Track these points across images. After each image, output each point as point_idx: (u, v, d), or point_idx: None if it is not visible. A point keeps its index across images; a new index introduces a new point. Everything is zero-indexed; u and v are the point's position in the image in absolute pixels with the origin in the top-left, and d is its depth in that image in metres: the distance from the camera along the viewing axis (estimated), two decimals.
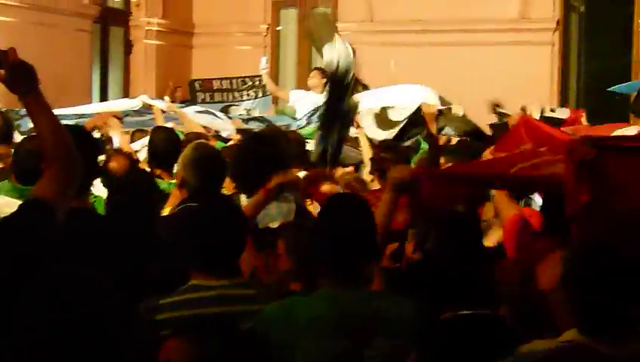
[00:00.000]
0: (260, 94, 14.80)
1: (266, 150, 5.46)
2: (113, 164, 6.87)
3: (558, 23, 16.29)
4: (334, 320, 3.52)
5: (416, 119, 8.92)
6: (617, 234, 3.96)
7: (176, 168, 6.04)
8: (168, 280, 3.90)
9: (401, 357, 3.49)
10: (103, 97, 15.88)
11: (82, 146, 3.52)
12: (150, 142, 6.86)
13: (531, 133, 5.08)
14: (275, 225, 4.96)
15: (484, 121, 9.92)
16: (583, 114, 11.65)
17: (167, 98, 10.94)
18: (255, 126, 10.79)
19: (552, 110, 10.64)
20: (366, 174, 7.62)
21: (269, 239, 4.66)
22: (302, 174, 6.62)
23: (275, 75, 16.93)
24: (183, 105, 13.42)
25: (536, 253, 4.34)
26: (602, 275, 3.25)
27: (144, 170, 6.87)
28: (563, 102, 16.36)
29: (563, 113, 10.95)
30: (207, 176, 5.21)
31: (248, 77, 15.44)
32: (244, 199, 5.20)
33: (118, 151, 7.71)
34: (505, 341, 3.33)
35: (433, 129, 8.19)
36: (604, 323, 3.22)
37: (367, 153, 8.03)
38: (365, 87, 12.42)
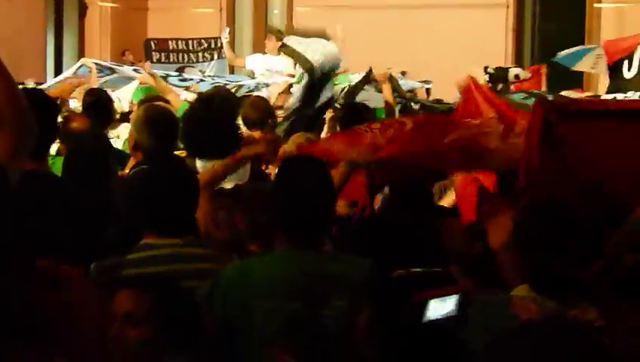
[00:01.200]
0: (216, 56, 14.81)
1: (216, 114, 5.50)
2: (75, 125, 6.78)
3: None
4: (290, 280, 3.54)
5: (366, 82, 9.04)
6: (570, 196, 3.98)
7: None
8: (126, 241, 3.91)
9: (357, 317, 3.52)
10: (58, 61, 15.80)
11: (38, 108, 3.46)
12: None
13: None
14: (229, 185, 4.98)
15: (440, 84, 10.05)
16: (544, 70, 11.76)
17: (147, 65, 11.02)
18: (208, 86, 10.88)
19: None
20: None
21: (224, 200, 4.66)
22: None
23: (231, 38, 16.50)
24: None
25: (487, 212, 4.38)
26: (551, 235, 3.34)
27: (98, 132, 6.85)
28: (518, 64, 16.04)
29: (523, 73, 10.75)
30: (158, 137, 5.23)
31: (204, 39, 15.51)
32: (199, 161, 5.20)
33: (75, 112, 7.74)
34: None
35: (387, 91, 8.16)
36: (554, 281, 3.31)
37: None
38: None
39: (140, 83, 10.14)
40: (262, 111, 7.21)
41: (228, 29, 14.50)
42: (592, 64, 10.53)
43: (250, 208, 4.44)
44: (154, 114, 5.50)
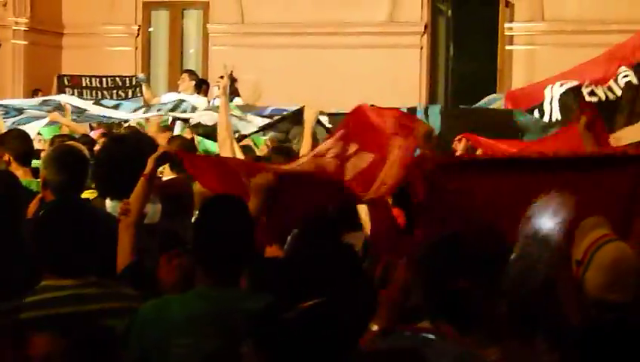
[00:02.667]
0: (131, 95, 14.90)
1: (125, 153, 5.43)
2: None
3: (426, 26, 16.61)
4: (208, 318, 3.57)
5: (297, 119, 9.06)
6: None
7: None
8: (32, 281, 3.87)
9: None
10: None
11: None
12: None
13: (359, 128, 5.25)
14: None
15: None
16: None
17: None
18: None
19: None
20: None
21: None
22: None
23: (146, 76, 16.69)
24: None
25: (399, 250, 4.44)
26: (450, 272, 3.37)
27: (7, 170, 6.72)
28: (432, 101, 16.53)
29: None
30: (67, 175, 5.20)
31: (119, 77, 15.63)
32: (108, 202, 5.22)
33: None
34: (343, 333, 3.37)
35: (308, 131, 8.13)
36: (453, 314, 3.34)
37: None
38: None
39: (51, 120, 10.02)
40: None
41: (143, 75, 14.87)
42: None
43: (164, 247, 4.45)
44: (63, 152, 5.47)
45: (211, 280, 3.73)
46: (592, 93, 9.17)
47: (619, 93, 9.19)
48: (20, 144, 6.75)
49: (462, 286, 3.36)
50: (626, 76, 9.21)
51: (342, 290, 3.74)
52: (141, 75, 14.90)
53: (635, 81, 9.11)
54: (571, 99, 9.14)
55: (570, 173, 4.65)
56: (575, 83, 9.40)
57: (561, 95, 9.35)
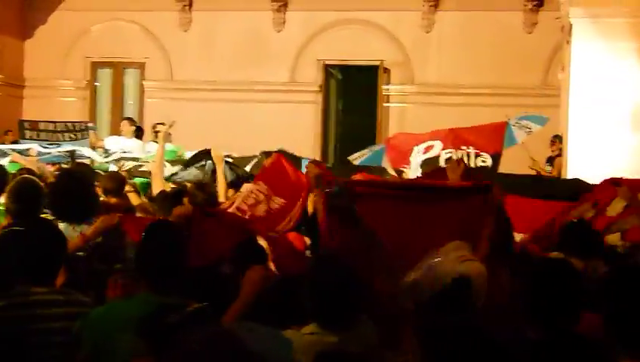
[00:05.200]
0: (80, 137, 14.80)
1: (78, 186, 5.72)
2: None
3: (320, 86, 17.45)
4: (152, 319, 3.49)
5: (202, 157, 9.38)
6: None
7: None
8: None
9: None
10: None
11: None
12: None
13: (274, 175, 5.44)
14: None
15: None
16: None
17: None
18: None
19: None
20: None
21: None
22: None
23: (93, 122, 16.63)
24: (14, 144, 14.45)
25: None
26: (326, 282, 3.73)
27: None
28: (325, 150, 17.42)
29: None
30: (24, 202, 5.38)
31: (70, 122, 15.44)
32: (61, 224, 5.26)
33: None
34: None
35: (220, 170, 8.37)
36: (328, 317, 3.69)
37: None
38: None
39: (12, 160, 10.51)
40: (118, 182, 7.50)
41: (93, 124, 15.21)
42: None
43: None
44: (21, 184, 5.65)
45: (150, 288, 3.83)
46: (448, 160, 9.04)
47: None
48: None
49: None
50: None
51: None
52: (91, 124, 15.05)
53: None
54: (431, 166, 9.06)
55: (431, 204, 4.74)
56: (435, 153, 9.50)
57: (422, 162, 9.52)
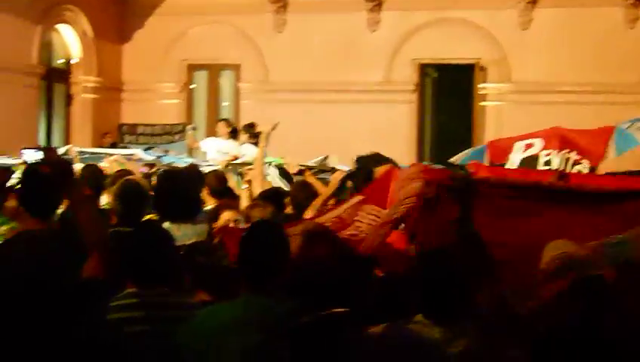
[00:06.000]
0: (176, 139, 15.64)
1: (182, 186, 5.76)
2: None
3: (415, 86, 17.21)
4: (250, 319, 3.67)
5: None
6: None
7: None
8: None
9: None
10: (48, 142, 16.05)
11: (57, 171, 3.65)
12: None
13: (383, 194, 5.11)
14: (189, 241, 5.12)
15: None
16: None
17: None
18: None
19: None
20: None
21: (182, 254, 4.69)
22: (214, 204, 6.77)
23: (190, 124, 16.82)
24: (112, 147, 14.63)
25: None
26: (438, 277, 3.70)
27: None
28: (420, 150, 17.18)
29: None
30: (129, 205, 5.42)
31: (167, 125, 16.43)
32: (167, 224, 5.33)
33: None
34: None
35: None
36: (439, 309, 3.66)
37: None
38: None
39: (112, 162, 10.15)
40: (224, 181, 7.52)
41: (193, 125, 15.50)
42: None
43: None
44: (126, 185, 5.71)
45: (252, 289, 3.82)
46: (547, 163, 8.90)
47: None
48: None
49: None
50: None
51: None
52: (192, 125, 15.43)
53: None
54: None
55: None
56: (534, 152, 9.16)
57: (521, 160, 9.20)
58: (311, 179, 8.13)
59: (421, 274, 3.80)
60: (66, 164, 3.80)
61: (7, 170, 7.68)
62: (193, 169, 8.57)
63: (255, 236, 3.98)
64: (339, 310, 3.51)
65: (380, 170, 6.41)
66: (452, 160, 10.95)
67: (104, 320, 3.23)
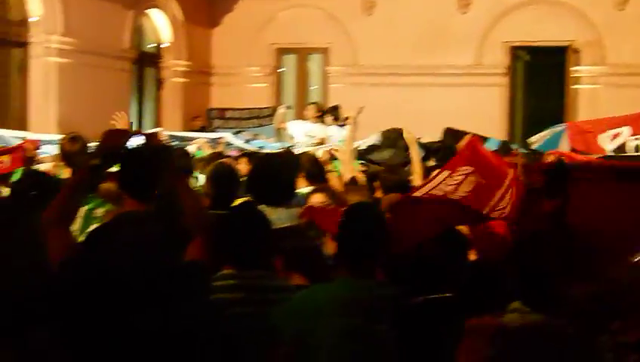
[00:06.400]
0: (265, 123, 15.65)
1: (277, 169, 5.69)
2: None
3: (506, 69, 16.97)
4: (349, 301, 3.65)
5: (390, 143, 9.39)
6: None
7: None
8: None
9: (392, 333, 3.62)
10: (139, 125, 16.04)
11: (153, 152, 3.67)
12: None
13: (475, 158, 4.98)
14: (283, 225, 5.05)
15: None
16: None
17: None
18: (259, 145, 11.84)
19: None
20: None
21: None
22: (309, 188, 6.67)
23: (277, 107, 16.76)
24: (202, 131, 14.80)
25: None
26: (539, 261, 3.59)
27: None
28: (511, 135, 16.78)
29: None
30: (223, 188, 5.45)
31: (256, 109, 16.48)
32: (262, 207, 5.13)
33: None
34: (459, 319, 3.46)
35: (415, 152, 8.09)
36: (540, 296, 3.55)
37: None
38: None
39: (200, 147, 10.90)
40: (320, 166, 7.43)
41: (288, 104, 15.50)
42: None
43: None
44: (219, 169, 5.75)
45: (350, 272, 3.77)
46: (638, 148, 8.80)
47: None
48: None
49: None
50: None
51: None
52: (286, 105, 15.49)
53: None
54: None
55: None
56: (622, 140, 9.15)
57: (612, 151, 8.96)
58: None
59: (521, 261, 3.69)
60: (167, 148, 3.76)
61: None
62: (289, 153, 8.56)
63: (354, 218, 3.94)
64: (447, 295, 3.49)
65: (461, 143, 6.50)
66: (532, 139, 11.23)
67: (207, 303, 3.21)
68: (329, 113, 13.92)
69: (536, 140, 11.03)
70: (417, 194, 4.77)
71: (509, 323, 3.21)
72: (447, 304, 3.69)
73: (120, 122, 6.89)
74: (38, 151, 8.26)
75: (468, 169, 4.89)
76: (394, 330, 3.54)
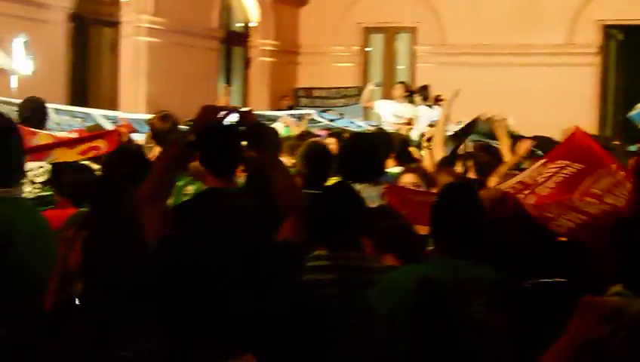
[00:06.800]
0: (352, 102, 15.70)
1: (366, 148, 5.57)
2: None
3: (599, 48, 16.63)
4: (445, 281, 3.54)
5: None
6: None
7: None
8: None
9: (492, 315, 3.57)
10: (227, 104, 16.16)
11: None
12: None
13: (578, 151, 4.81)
14: (373, 204, 4.92)
15: (533, 132, 9.85)
16: None
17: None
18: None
19: None
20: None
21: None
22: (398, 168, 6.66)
23: (364, 87, 16.72)
24: (288, 109, 14.86)
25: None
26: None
27: None
28: (603, 116, 16.75)
29: None
30: (316, 167, 5.40)
31: (342, 88, 16.61)
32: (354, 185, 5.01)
33: None
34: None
35: (503, 135, 8.00)
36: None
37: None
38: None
39: (285, 124, 10.98)
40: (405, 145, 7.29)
41: (377, 82, 15.34)
42: None
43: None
44: (312, 148, 5.69)
45: (447, 252, 3.70)
46: None
47: None
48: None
49: None
50: None
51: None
52: (376, 82, 15.32)
53: None
54: None
55: None
56: None
57: None
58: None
59: (624, 243, 3.47)
60: (261, 125, 3.74)
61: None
62: (381, 132, 8.49)
63: (450, 198, 3.85)
64: (558, 279, 3.43)
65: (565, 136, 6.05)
66: (629, 115, 11.09)
67: (301, 282, 3.16)
68: (418, 93, 13.80)
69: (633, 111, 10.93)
70: (513, 181, 4.71)
71: (630, 305, 3.04)
72: (555, 288, 3.61)
73: (222, 98, 6.87)
74: (132, 134, 8.36)
75: (563, 163, 4.76)
76: (498, 313, 3.48)
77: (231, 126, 3.68)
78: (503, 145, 7.76)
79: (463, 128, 9.13)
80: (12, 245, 3.07)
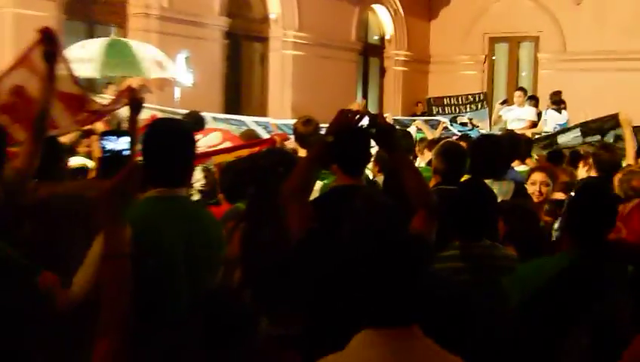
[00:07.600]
0: (480, 107, 15.41)
1: (494, 147, 5.51)
2: None
3: None
4: (577, 273, 3.44)
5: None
6: None
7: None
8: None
9: (624, 304, 3.44)
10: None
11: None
12: None
13: None
14: (501, 199, 4.84)
15: None
16: None
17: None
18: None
19: None
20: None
21: None
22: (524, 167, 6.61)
23: (490, 93, 17.10)
24: (422, 116, 14.84)
25: None
26: None
27: None
28: None
29: None
30: (452, 163, 5.21)
31: (471, 95, 16.04)
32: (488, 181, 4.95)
33: None
34: None
35: (628, 134, 7.68)
36: None
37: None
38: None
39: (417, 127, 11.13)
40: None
41: (502, 99, 14.77)
42: None
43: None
44: (449, 146, 5.52)
45: (575, 244, 3.55)
46: None
47: None
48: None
49: None
50: None
51: None
52: (502, 100, 14.78)
53: None
54: None
55: None
56: None
57: None
58: None
59: None
60: (390, 128, 3.65)
61: None
62: (507, 134, 8.21)
63: (586, 194, 3.74)
64: None
65: None
66: None
67: (434, 272, 3.10)
68: (550, 98, 13.45)
69: None
70: None
71: None
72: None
73: (355, 104, 6.89)
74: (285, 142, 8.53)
75: None
76: (628, 303, 3.36)
77: (363, 128, 3.67)
78: (629, 146, 7.46)
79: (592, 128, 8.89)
80: (191, 234, 3.14)
